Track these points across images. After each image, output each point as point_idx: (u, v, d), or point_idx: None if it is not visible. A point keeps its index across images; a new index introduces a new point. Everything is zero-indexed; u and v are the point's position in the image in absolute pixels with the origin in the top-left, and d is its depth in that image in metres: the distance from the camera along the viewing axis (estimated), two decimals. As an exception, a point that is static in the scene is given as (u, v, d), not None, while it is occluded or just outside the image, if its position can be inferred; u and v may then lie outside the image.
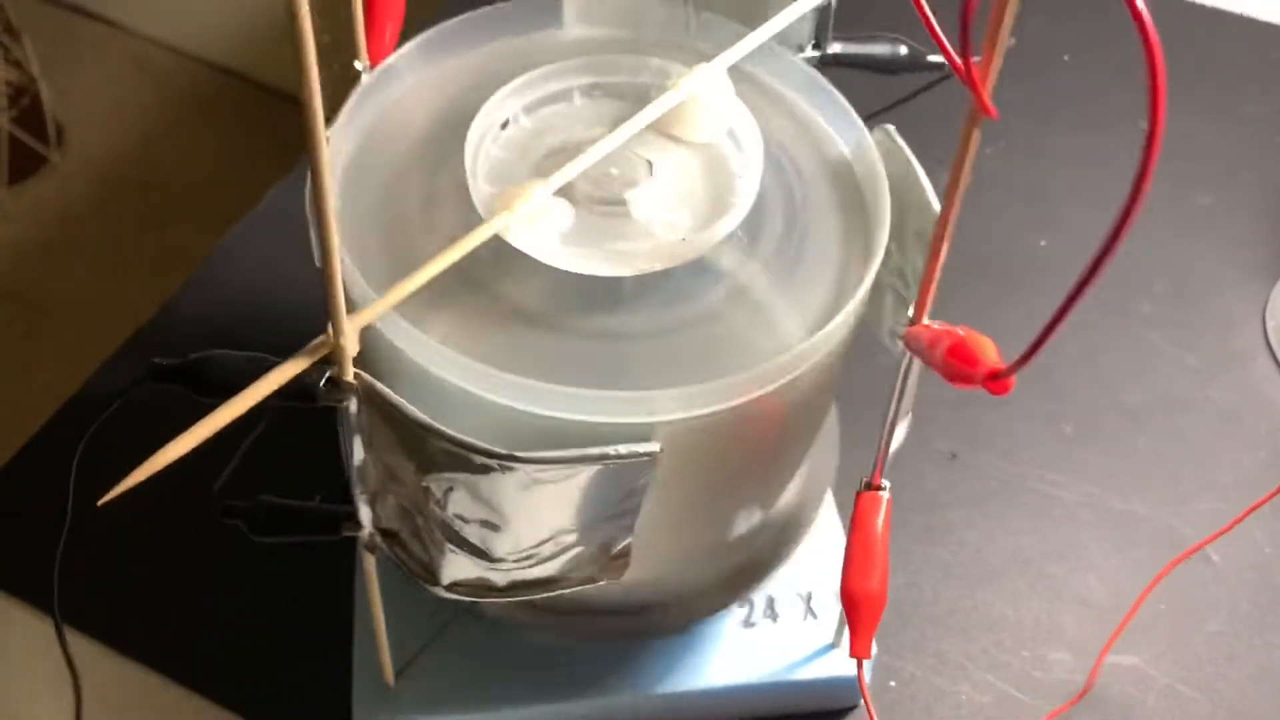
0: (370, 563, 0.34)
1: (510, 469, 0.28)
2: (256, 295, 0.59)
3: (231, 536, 0.33)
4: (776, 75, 0.36)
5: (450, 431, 0.27)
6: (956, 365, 0.25)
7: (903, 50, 0.38)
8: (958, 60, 0.22)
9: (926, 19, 0.25)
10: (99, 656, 0.44)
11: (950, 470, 0.49)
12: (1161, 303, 0.57)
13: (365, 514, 0.32)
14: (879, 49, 0.38)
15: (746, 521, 0.37)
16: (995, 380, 0.24)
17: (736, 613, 0.42)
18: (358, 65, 0.37)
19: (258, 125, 1.82)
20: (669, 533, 0.35)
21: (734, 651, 0.41)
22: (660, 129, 0.33)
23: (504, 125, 0.34)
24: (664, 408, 0.28)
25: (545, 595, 0.33)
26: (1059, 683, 0.44)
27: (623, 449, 0.28)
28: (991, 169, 0.60)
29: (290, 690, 0.43)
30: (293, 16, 0.21)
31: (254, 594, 0.45)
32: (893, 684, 0.43)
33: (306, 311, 0.54)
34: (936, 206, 0.31)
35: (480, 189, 0.32)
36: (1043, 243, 0.58)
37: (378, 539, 0.33)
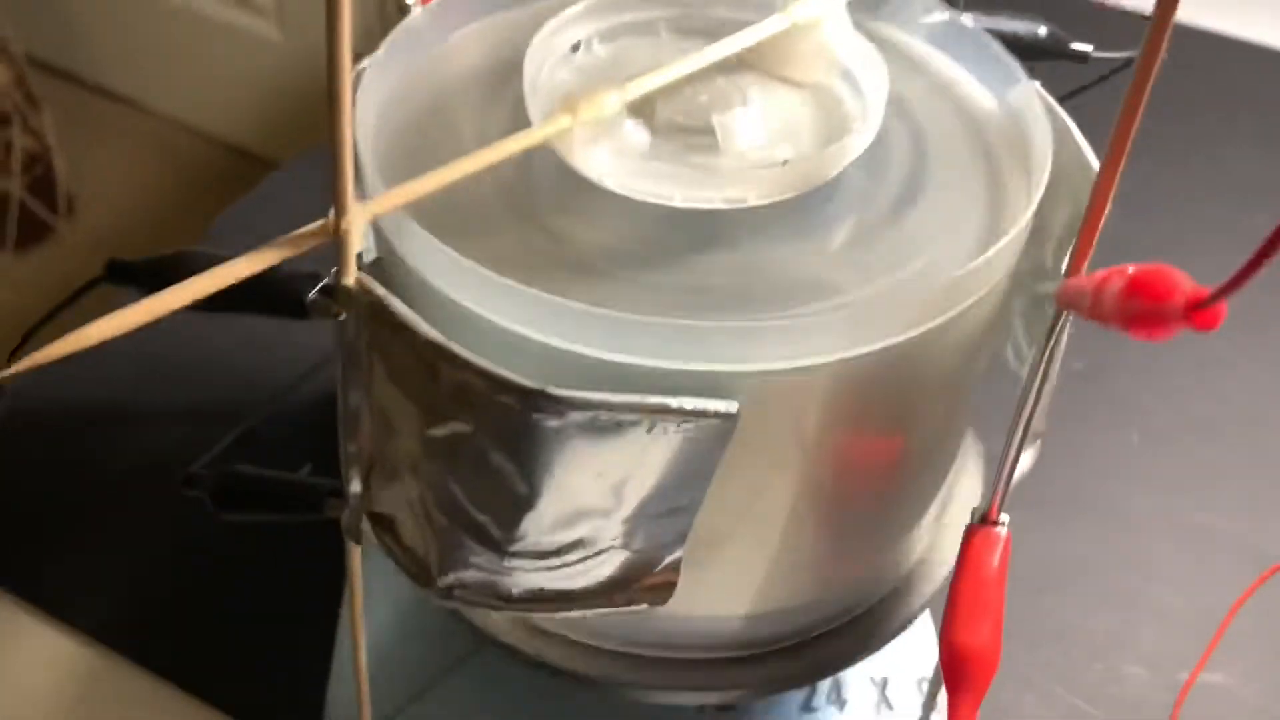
0: (356, 560, 0.27)
1: (541, 413, 0.21)
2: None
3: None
4: (905, 24, 0.31)
5: (469, 355, 0.21)
6: (1144, 302, 0.19)
7: (1043, 31, 0.33)
8: None
9: None
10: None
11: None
12: (1227, 331, 0.52)
13: (354, 485, 0.26)
14: (1018, 27, 0.33)
15: (850, 556, 0.30)
16: (1199, 310, 0.18)
17: (794, 694, 0.34)
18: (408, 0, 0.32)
19: None
20: (754, 549, 0.28)
21: (789, 741, 0.33)
22: (763, 66, 0.28)
23: (574, 48, 0.29)
24: (751, 352, 0.22)
25: (567, 614, 0.26)
26: (1136, 699, 0.40)
27: (690, 403, 0.22)
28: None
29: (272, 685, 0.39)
30: None
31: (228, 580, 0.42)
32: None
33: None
34: (1095, 164, 0.25)
35: (539, 103, 0.26)
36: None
37: (366, 523, 0.26)
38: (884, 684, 0.35)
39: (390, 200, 0.22)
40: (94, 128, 1.86)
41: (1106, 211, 0.23)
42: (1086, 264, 0.23)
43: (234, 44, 1.64)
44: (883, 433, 0.26)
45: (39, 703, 0.39)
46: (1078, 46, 0.33)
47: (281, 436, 0.44)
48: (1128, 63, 0.35)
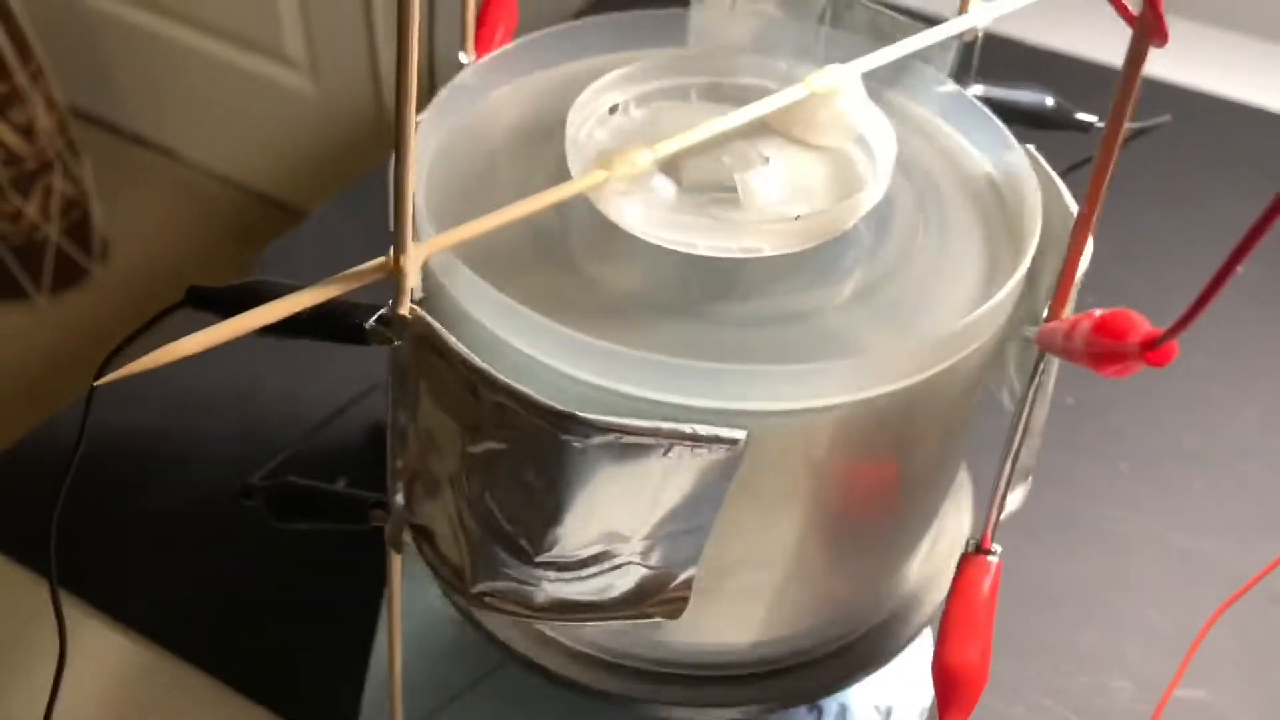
0: (397, 568, 0.30)
1: (570, 435, 0.24)
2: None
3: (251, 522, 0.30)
4: (915, 94, 0.34)
5: (507, 380, 0.24)
6: (1106, 341, 0.21)
7: (1049, 102, 0.35)
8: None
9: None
10: (92, 622, 0.44)
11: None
12: (1220, 359, 0.57)
13: (398, 497, 0.28)
14: (1024, 97, 0.35)
15: (853, 583, 0.32)
16: (1153, 348, 0.20)
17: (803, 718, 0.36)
18: (462, 57, 0.35)
19: None
20: (764, 574, 0.30)
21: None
22: (783, 129, 0.30)
23: (612, 110, 0.31)
24: (762, 391, 0.24)
25: (588, 623, 0.28)
26: (1122, 711, 0.42)
27: (703, 430, 0.24)
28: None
29: (284, 666, 0.43)
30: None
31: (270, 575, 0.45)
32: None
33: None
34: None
35: (579, 158, 0.29)
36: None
37: (408, 533, 0.29)
38: (888, 712, 0.37)
39: (443, 242, 0.25)
40: (129, 175, 1.91)
41: (1084, 268, 0.26)
42: (1065, 309, 0.25)
43: (268, 96, 1.68)
44: (884, 469, 0.29)
45: (103, 696, 0.42)
46: (1082, 116, 0.36)
47: (324, 455, 0.48)
48: (1135, 134, 0.38)
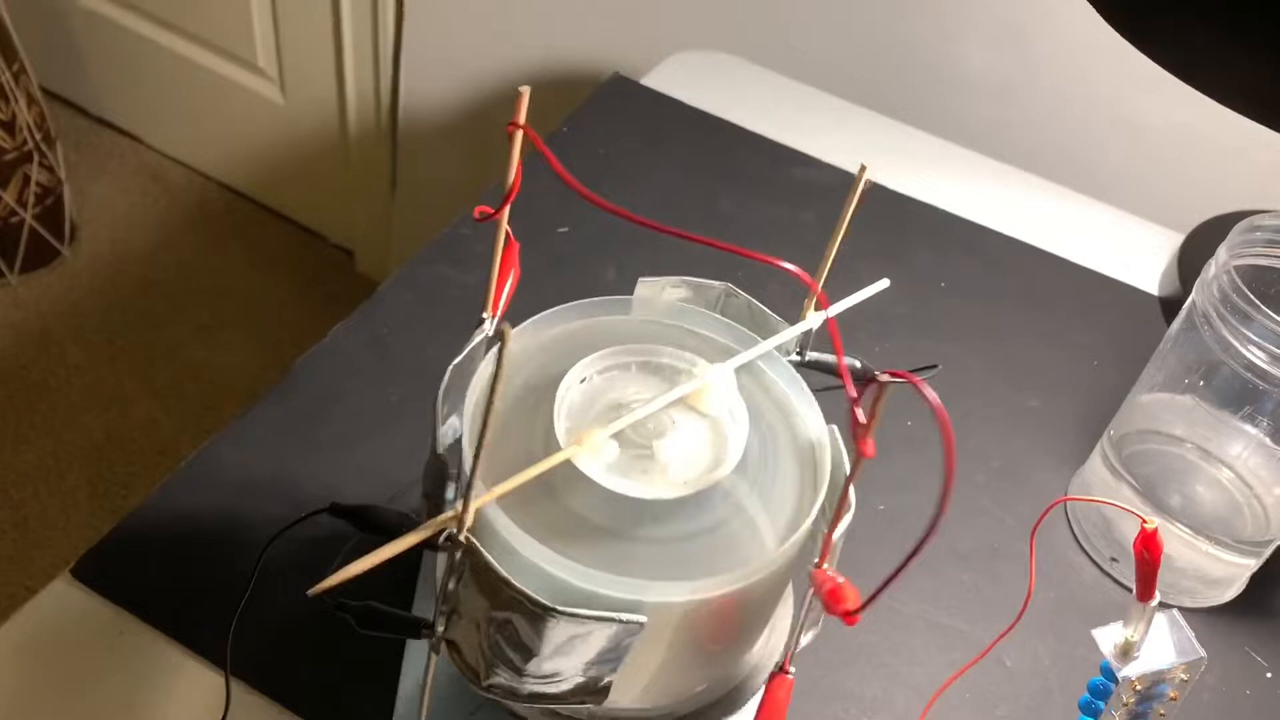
0: (434, 662, 0.49)
1: (550, 617, 0.43)
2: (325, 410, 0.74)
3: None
4: (771, 368, 0.53)
5: (521, 586, 0.43)
6: (828, 602, 0.41)
7: (858, 364, 0.55)
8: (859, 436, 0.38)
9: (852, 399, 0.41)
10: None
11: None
12: (994, 476, 0.77)
13: (440, 626, 0.47)
14: (845, 361, 0.54)
15: (711, 676, 0.52)
16: (848, 615, 0.40)
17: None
18: (484, 315, 0.53)
19: (257, 241, 2.01)
20: (656, 675, 0.49)
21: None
22: (685, 401, 0.49)
23: (582, 380, 0.50)
24: (655, 592, 0.44)
25: (553, 706, 0.47)
26: None
27: (623, 616, 0.43)
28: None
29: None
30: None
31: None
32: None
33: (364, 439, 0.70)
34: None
35: (562, 426, 0.47)
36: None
37: (443, 645, 0.48)
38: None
39: (486, 498, 0.43)
40: (96, 157, 2.01)
41: (844, 526, 0.45)
42: (827, 560, 0.45)
43: (237, 99, 1.78)
44: (728, 623, 0.48)
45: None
46: (879, 375, 0.55)
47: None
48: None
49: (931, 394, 0.36)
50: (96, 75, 1.91)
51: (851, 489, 0.43)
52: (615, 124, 1.02)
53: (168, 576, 0.63)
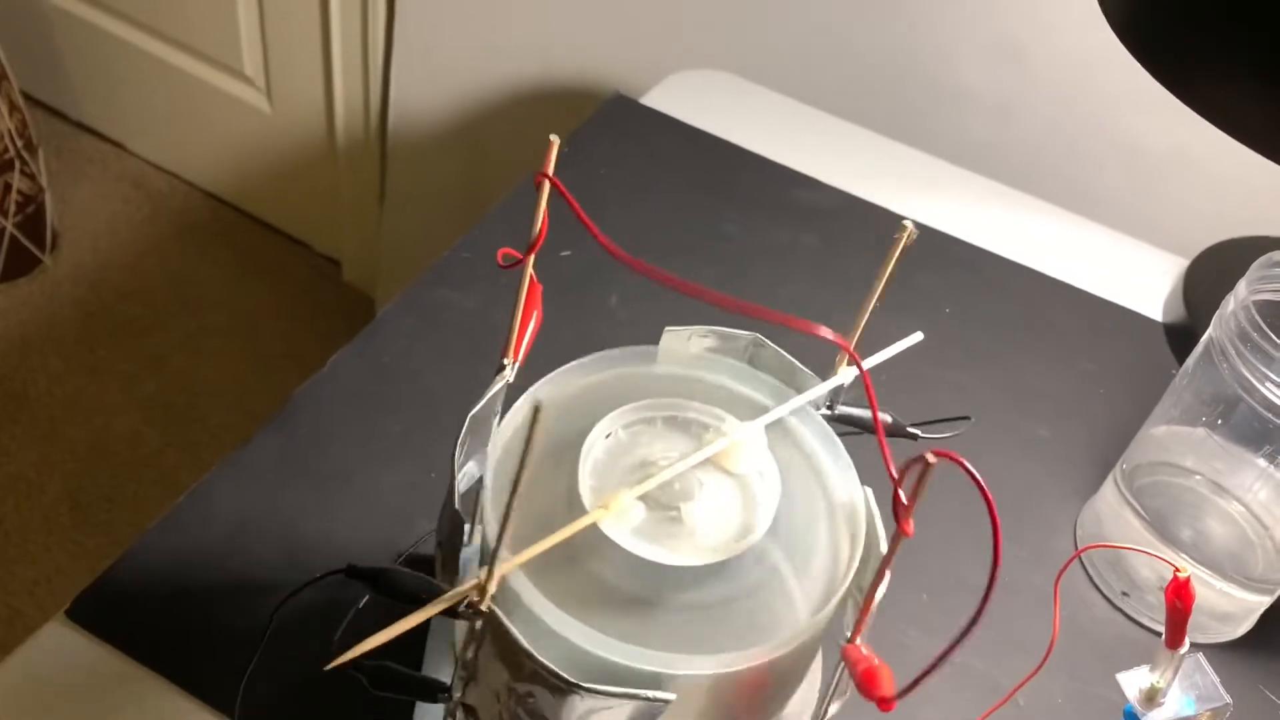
0: (448, 725, 0.47)
1: (574, 692, 0.41)
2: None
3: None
4: (803, 423, 0.51)
5: (543, 659, 0.41)
6: (863, 685, 0.39)
7: (889, 419, 0.53)
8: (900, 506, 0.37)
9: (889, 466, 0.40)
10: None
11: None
12: (1005, 508, 0.77)
13: (458, 691, 0.46)
14: (867, 413, 0.53)
15: None
16: (884, 703, 0.38)
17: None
18: (505, 361, 0.51)
19: (240, 250, 1.99)
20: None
21: None
22: (712, 460, 0.48)
23: (608, 435, 0.48)
24: (683, 665, 0.42)
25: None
26: None
27: (649, 693, 0.42)
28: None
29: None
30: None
31: None
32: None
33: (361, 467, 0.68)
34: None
35: (587, 485, 0.46)
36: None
37: (460, 710, 0.46)
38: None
39: (509, 566, 0.42)
40: (78, 164, 1.98)
41: (880, 595, 0.43)
42: (861, 635, 0.43)
43: (223, 107, 1.76)
44: (758, 691, 0.47)
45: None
46: (910, 429, 0.54)
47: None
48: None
49: (984, 487, 0.34)
50: (79, 81, 1.88)
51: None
52: (616, 143, 1.00)
53: (169, 619, 0.62)
